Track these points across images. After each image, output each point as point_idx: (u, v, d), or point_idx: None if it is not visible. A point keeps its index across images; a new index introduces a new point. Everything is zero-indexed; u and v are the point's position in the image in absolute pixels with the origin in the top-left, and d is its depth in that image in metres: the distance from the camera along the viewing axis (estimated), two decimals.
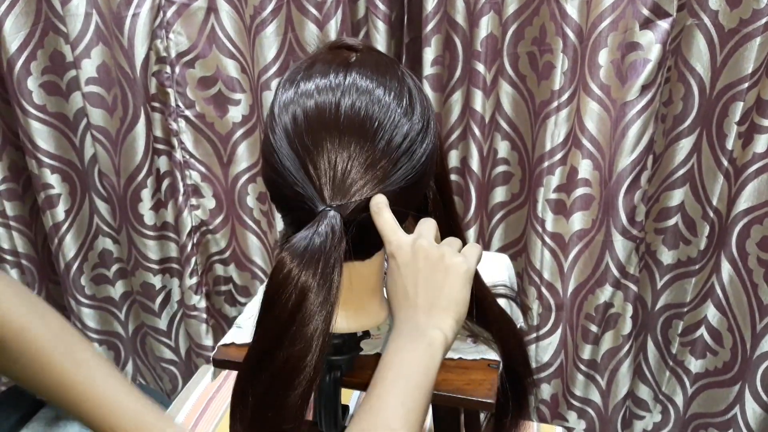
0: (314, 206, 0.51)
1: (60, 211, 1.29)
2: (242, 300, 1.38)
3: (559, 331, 1.18)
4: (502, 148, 1.11)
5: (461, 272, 0.51)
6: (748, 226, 1.01)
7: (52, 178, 1.26)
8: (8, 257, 1.33)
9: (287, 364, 0.47)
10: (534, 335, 1.20)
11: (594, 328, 1.14)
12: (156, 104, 1.20)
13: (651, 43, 0.92)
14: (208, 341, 1.37)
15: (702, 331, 1.12)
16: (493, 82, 1.05)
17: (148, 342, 1.44)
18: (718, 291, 1.07)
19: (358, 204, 0.51)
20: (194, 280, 1.32)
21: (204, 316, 1.35)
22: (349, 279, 0.56)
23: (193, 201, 1.28)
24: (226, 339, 0.70)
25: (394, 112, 0.52)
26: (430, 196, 0.60)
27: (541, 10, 0.99)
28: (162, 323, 1.40)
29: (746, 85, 0.94)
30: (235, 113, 1.19)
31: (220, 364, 0.69)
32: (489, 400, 0.61)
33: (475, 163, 1.10)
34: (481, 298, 0.65)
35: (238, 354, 0.69)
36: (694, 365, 1.15)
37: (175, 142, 1.23)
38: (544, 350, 1.20)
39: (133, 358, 1.49)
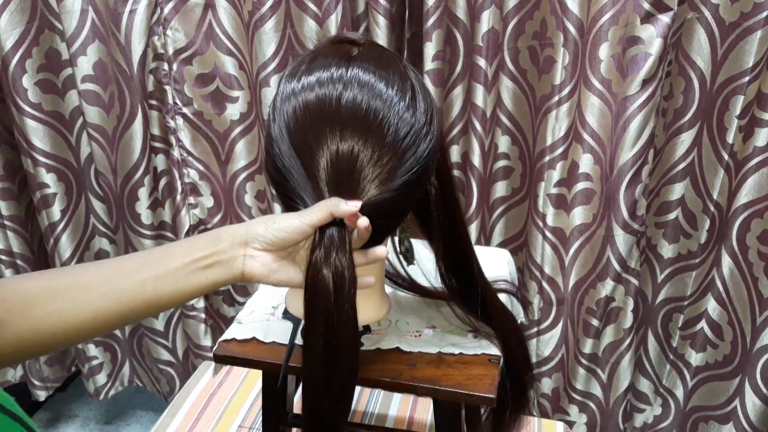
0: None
1: (56, 210, 1.27)
2: (241, 299, 1.37)
3: (560, 325, 1.18)
4: (503, 142, 1.11)
5: None
6: (748, 219, 1.01)
7: (48, 177, 1.24)
8: (3, 257, 1.31)
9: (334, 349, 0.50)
10: (535, 329, 1.20)
11: (595, 322, 1.14)
12: (153, 102, 1.19)
13: (652, 37, 0.92)
14: (207, 341, 1.36)
15: (702, 324, 1.13)
16: (494, 77, 1.05)
17: (145, 343, 1.43)
18: (719, 284, 1.07)
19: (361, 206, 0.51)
20: None
21: (202, 316, 1.34)
22: None
23: (191, 199, 1.27)
24: (227, 335, 0.70)
25: (398, 107, 0.52)
26: (432, 191, 0.59)
27: (541, 4, 0.99)
28: (159, 324, 1.39)
29: (747, 78, 0.94)
30: (233, 111, 1.18)
31: (222, 359, 0.69)
32: (490, 395, 0.61)
33: (476, 158, 1.10)
34: (482, 293, 0.65)
35: (239, 350, 0.68)
36: (695, 358, 1.16)
37: (173, 139, 1.22)
38: (545, 344, 1.20)
39: (129, 360, 1.48)
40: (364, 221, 0.50)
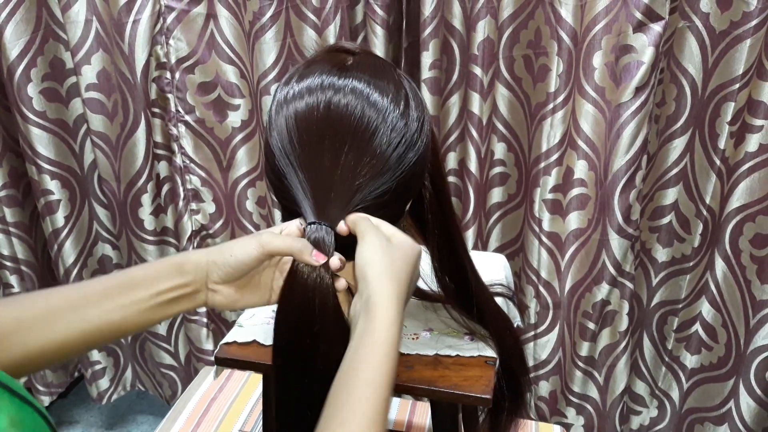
0: (307, 216, 0.53)
1: (59, 217, 1.29)
2: None
3: (557, 328, 1.19)
4: (499, 149, 1.13)
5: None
6: (740, 223, 1.02)
7: (52, 184, 1.26)
8: (8, 263, 1.33)
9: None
10: (532, 333, 1.21)
11: (591, 326, 1.16)
12: (156, 110, 1.21)
13: (644, 45, 0.94)
14: (209, 345, 1.38)
15: (697, 327, 1.14)
16: (489, 85, 1.07)
17: (148, 347, 1.45)
18: (712, 287, 1.09)
19: (352, 211, 0.52)
20: None
21: (204, 320, 1.36)
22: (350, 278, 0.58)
23: (193, 206, 1.29)
24: (229, 338, 0.71)
25: (392, 116, 0.53)
26: (426, 196, 0.61)
27: (536, 13, 1.01)
28: (161, 328, 1.41)
29: (737, 85, 0.96)
30: (235, 118, 1.20)
31: (223, 362, 0.70)
32: (486, 396, 0.62)
33: (473, 165, 1.12)
34: (478, 296, 0.66)
35: (240, 352, 0.70)
36: (690, 361, 1.17)
37: (175, 147, 1.24)
38: (542, 348, 1.22)
39: (132, 364, 1.49)
40: (335, 262, 0.51)
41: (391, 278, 0.48)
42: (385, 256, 0.49)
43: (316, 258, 0.51)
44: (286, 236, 0.52)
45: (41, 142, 1.22)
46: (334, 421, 0.43)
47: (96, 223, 1.35)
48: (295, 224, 0.54)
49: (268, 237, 0.51)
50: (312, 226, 0.52)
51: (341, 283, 0.53)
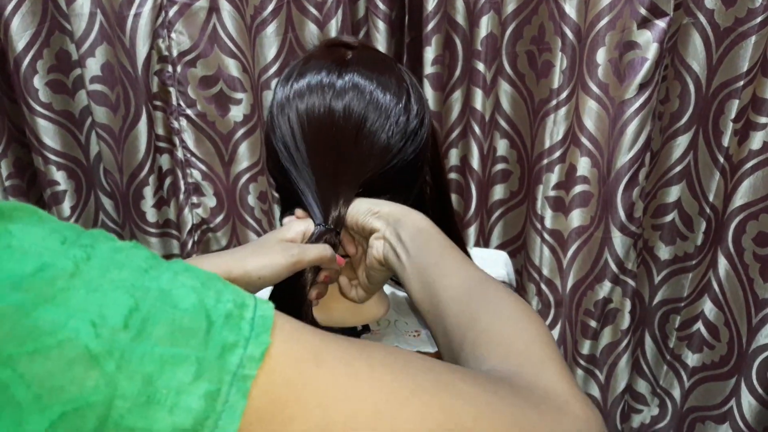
0: (314, 214, 0.53)
1: (66, 207, 1.30)
2: None
3: (559, 326, 1.19)
4: (502, 146, 1.13)
5: None
6: (744, 221, 1.02)
7: (58, 175, 1.27)
8: None
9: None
10: None
11: (593, 324, 1.15)
12: (158, 103, 1.21)
13: (648, 42, 0.94)
14: None
15: (699, 325, 1.13)
16: (492, 81, 1.06)
17: None
18: (715, 286, 1.08)
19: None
20: None
21: None
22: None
23: (195, 199, 1.29)
24: None
25: (393, 111, 0.53)
26: (427, 191, 0.61)
27: (539, 9, 1.00)
28: None
29: (742, 83, 0.95)
30: (237, 112, 1.20)
31: None
32: None
33: (475, 161, 1.12)
34: None
35: None
36: (691, 359, 1.17)
37: (177, 140, 1.24)
38: None
39: None
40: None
41: (389, 204, 0.52)
42: (375, 203, 0.53)
43: (339, 264, 0.53)
44: (315, 247, 0.51)
45: (47, 133, 1.23)
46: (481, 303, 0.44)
47: (102, 214, 1.36)
48: (311, 224, 0.54)
49: (299, 253, 0.50)
50: (320, 227, 0.53)
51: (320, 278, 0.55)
